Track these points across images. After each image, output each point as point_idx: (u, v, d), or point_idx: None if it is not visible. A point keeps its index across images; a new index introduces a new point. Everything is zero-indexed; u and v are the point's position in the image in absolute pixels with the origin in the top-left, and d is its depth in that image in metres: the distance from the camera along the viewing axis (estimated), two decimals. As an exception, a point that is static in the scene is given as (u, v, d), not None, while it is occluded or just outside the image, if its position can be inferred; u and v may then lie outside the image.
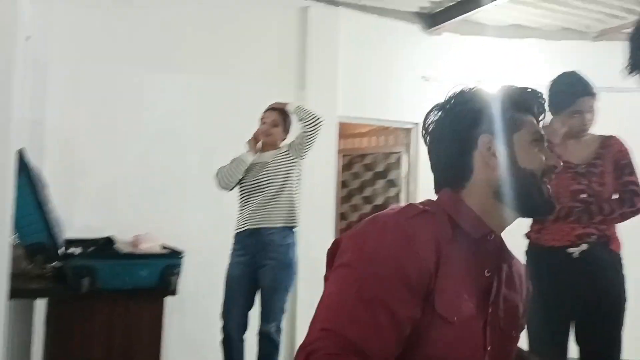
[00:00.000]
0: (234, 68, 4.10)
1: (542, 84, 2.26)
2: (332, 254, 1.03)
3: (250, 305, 3.12)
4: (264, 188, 3.10)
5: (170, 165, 3.86)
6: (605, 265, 2.29)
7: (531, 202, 1.07)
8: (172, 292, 2.45)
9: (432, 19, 4.66)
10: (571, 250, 2.22)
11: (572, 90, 2.30)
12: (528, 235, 2.40)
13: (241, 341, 3.10)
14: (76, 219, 3.51)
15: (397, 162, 5.13)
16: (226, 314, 3.10)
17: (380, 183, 5.34)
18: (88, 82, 3.74)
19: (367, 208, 5.41)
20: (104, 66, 3.78)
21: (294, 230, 3.15)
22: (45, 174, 2.97)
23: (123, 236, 2.76)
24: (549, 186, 1.08)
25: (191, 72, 4.00)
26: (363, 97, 4.53)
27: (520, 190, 1.05)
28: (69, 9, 3.66)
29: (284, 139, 3.26)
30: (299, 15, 4.34)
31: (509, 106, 1.09)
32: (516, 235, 1.48)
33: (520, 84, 1.16)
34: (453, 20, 4.47)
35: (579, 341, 2.32)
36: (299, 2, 4.34)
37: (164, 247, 2.70)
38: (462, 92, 1.12)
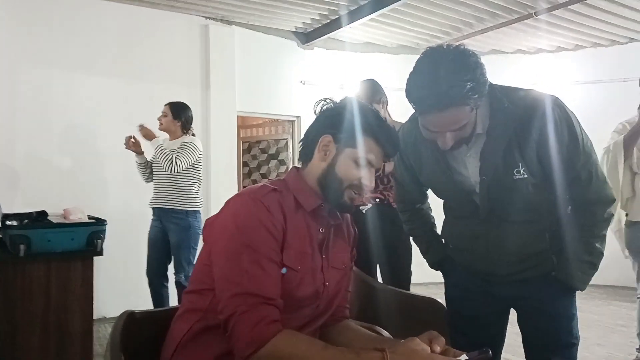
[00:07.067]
0: (149, 73, 4.03)
1: (389, 87, 2.39)
2: (208, 231, 1.06)
3: (164, 258, 3.11)
4: (159, 171, 3.07)
5: (95, 151, 3.74)
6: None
7: (331, 199, 1.09)
8: (99, 253, 2.40)
9: (306, 37, 4.82)
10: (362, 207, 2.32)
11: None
12: None
13: (161, 285, 3.12)
14: (16, 198, 3.32)
15: (285, 146, 5.28)
16: (148, 264, 3.14)
17: (273, 163, 5.47)
18: (23, 84, 3.51)
19: (265, 182, 5.49)
20: (38, 71, 3.56)
21: (194, 208, 3.06)
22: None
23: (55, 210, 2.66)
24: (354, 195, 1.08)
25: (113, 76, 3.89)
26: (256, 96, 4.61)
27: (328, 188, 1.08)
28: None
29: (179, 126, 3.10)
30: (202, 30, 4.32)
31: (362, 126, 1.06)
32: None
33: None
34: (321, 38, 4.66)
35: None
36: (200, 21, 4.31)
37: (90, 218, 2.64)
38: (344, 98, 1.12)
